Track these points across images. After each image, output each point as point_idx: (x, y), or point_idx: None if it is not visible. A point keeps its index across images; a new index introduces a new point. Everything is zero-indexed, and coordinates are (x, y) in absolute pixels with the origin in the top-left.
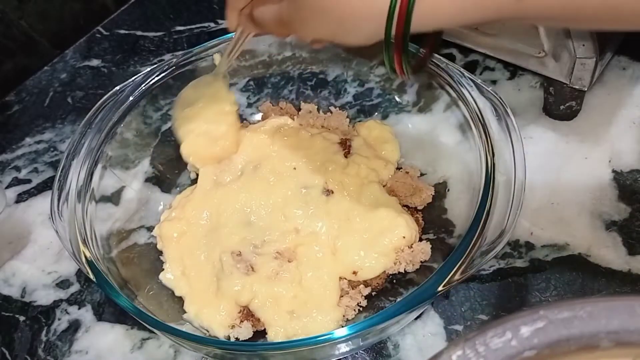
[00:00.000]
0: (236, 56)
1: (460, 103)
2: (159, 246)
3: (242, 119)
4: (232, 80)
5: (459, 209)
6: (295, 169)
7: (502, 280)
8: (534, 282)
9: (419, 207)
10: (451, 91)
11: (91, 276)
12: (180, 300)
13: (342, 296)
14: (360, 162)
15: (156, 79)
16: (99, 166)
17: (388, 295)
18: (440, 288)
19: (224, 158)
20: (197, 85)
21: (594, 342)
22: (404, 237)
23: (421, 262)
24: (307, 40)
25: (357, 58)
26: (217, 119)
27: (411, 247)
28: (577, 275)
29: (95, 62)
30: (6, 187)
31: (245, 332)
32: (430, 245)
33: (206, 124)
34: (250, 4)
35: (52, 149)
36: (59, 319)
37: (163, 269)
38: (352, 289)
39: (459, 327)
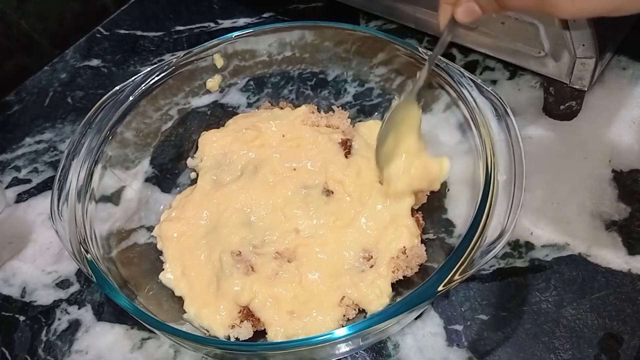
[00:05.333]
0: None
1: (460, 103)
2: (159, 246)
3: None
4: (232, 80)
5: (459, 209)
6: (295, 169)
7: (502, 280)
8: (534, 282)
9: (419, 207)
10: (451, 91)
11: (91, 276)
12: (180, 300)
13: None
14: (361, 163)
15: (156, 79)
16: (99, 166)
17: None
18: (440, 288)
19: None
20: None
21: None
22: (404, 247)
23: (419, 264)
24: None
25: (357, 58)
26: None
27: (405, 252)
28: (577, 275)
29: (95, 62)
30: (6, 187)
31: (245, 332)
32: (426, 248)
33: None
34: None
35: (52, 149)
36: (59, 319)
37: (163, 269)
38: None
39: (459, 327)
